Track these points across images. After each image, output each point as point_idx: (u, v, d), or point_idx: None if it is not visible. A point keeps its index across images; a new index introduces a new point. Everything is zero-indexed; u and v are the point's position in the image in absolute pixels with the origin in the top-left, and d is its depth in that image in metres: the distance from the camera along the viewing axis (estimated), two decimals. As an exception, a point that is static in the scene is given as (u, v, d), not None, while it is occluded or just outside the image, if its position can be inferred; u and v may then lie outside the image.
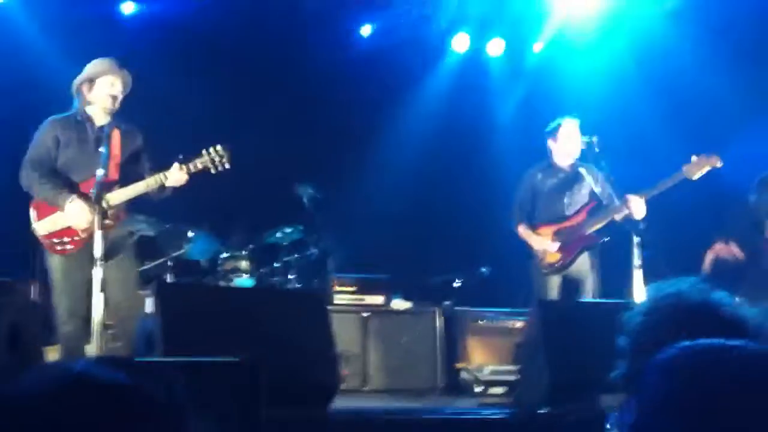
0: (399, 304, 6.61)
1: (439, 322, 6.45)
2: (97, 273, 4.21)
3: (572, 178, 6.13)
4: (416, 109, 8.42)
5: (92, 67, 4.81)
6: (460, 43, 8.41)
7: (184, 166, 4.67)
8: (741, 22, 7.22)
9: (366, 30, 8.38)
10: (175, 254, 6.39)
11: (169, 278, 6.39)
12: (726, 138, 6.71)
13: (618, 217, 5.73)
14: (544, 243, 6.04)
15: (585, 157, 6.00)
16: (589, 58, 8.13)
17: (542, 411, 4.27)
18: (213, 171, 4.73)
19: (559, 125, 6.11)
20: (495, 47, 8.51)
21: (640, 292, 5.04)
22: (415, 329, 6.40)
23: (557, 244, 6.01)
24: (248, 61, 7.78)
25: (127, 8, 7.56)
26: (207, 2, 7.56)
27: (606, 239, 5.97)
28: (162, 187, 4.70)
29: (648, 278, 5.07)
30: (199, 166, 4.71)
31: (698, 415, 1.07)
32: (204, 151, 4.72)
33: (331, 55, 7.95)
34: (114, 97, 4.76)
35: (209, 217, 6.72)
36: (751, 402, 1.06)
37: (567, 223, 6.08)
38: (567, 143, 6.07)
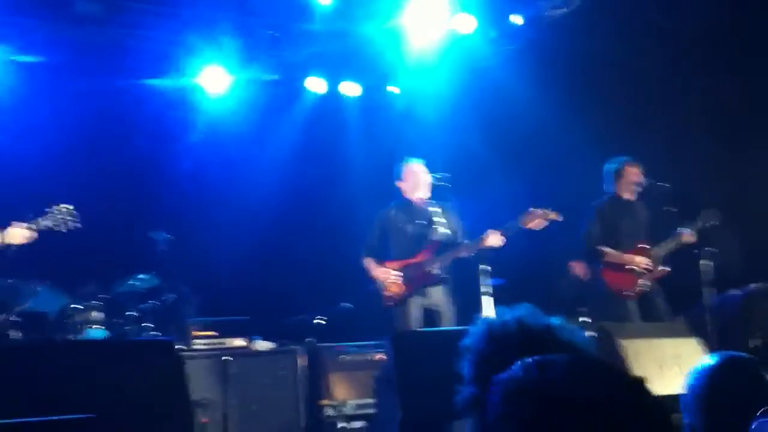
0: (260, 344, 6.51)
1: (301, 360, 6.40)
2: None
3: (424, 217, 6.32)
4: (272, 150, 8.40)
5: None
6: (315, 84, 8.46)
7: (32, 224, 4.61)
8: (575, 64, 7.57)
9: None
10: (18, 309, 6.08)
11: (13, 335, 6.04)
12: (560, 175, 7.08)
13: (467, 254, 5.97)
14: (385, 275, 6.19)
15: (436, 194, 6.22)
16: (438, 100, 8.32)
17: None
18: (63, 230, 4.69)
19: (404, 166, 6.35)
20: (349, 89, 8.60)
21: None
22: (278, 369, 6.31)
23: (399, 278, 6.16)
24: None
25: None
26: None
27: (445, 276, 6.17)
28: (7, 246, 4.59)
29: (497, 304, 5.25)
30: (50, 224, 4.66)
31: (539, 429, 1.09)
32: (50, 210, 4.65)
33: (181, 96, 7.84)
34: None
35: (58, 268, 6.43)
36: (587, 414, 1.08)
37: (412, 260, 6.27)
38: (414, 183, 6.28)
